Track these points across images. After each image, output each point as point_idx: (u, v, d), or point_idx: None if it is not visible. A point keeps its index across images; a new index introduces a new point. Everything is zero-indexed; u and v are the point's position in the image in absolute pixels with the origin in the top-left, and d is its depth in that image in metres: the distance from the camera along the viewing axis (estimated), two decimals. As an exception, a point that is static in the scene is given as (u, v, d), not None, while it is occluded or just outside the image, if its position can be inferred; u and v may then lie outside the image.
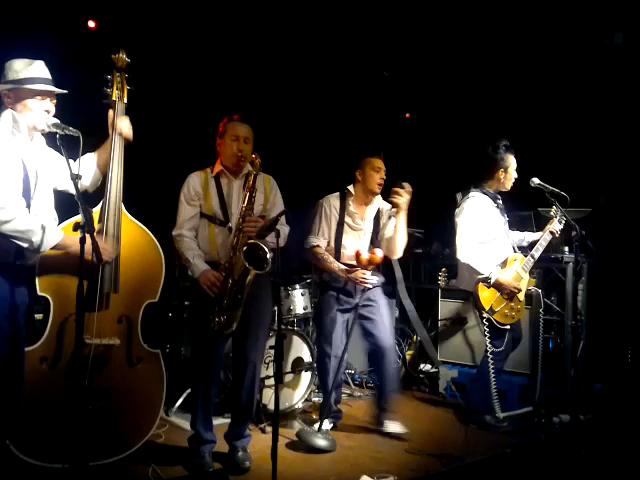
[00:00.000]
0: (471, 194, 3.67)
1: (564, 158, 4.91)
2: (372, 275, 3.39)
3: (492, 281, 3.49)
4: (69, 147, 2.31)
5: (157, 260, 2.74)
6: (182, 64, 4.34)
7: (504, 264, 3.58)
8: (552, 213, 3.67)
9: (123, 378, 2.61)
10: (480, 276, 3.51)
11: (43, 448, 2.42)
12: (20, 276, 2.36)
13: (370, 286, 3.36)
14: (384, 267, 3.73)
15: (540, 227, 3.90)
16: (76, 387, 2.30)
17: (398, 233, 3.41)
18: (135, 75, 2.75)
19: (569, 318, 4.08)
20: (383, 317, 3.48)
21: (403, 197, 3.30)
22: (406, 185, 3.31)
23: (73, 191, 2.55)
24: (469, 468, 2.91)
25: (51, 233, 2.33)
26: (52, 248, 2.34)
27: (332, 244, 3.50)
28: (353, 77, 5.28)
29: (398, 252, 3.50)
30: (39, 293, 2.45)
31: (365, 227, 3.51)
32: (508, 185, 3.70)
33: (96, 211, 2.57)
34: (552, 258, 4.19)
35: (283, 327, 3.87)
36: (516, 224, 4.38)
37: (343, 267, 3.42)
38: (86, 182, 2.65)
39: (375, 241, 3.51)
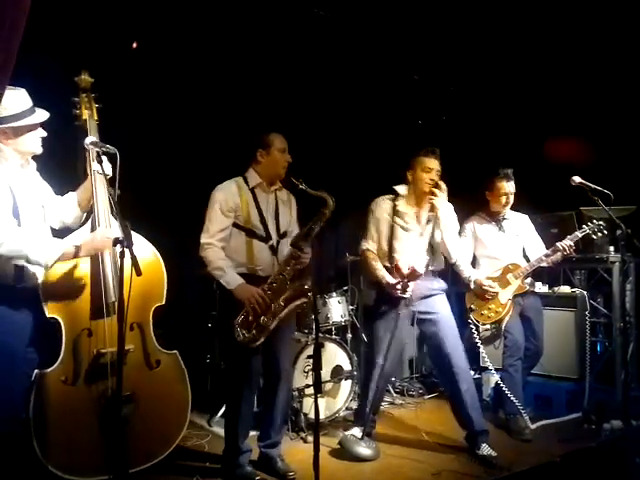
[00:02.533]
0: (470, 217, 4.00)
1: (607, 155, 4.76)
2: (432, 282, 3.30)
3: (472, 284, 3.76)
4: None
5: (157, 265, 2.74)
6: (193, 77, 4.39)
7: (498, 271, 3.81)
8: (587, 228, 3.68)
9: (146, 383, 2.64)
10: (464, 276, 3.77)
11: (83, 463, 2.45)
12: (22, 298, 2.38)
13: (407, 296, 3.20)
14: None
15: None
16: (101, 398, 2.38)
17: (444, 235, 3.25)
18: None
19: (617, 320, 3.95)
20: (446, 327, 3.27)
21: (439, 197, 3.19)
22: (441, 184, 3.21)
23: (51, 224, 2.62)
24: (517, 478, 2.83)
25: (49, 246, 2.36)
26: (60, 260, 2.38)
27: (384, 248, 3.36)
28: (384, 81, 5.25)
29: (452, 255, 3.31)
30: (48, 315, 2.45)
31: (420, 230, 3.32)
32: (496, 207, 3.86)
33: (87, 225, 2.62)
34: (597, 258, 4.07)
35: (321, 335, 3.85)
36: (558, 224, 4.28)
37: (385, 276, 3.28)
38: (68, 220, 2.68)
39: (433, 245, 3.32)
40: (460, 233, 3.79)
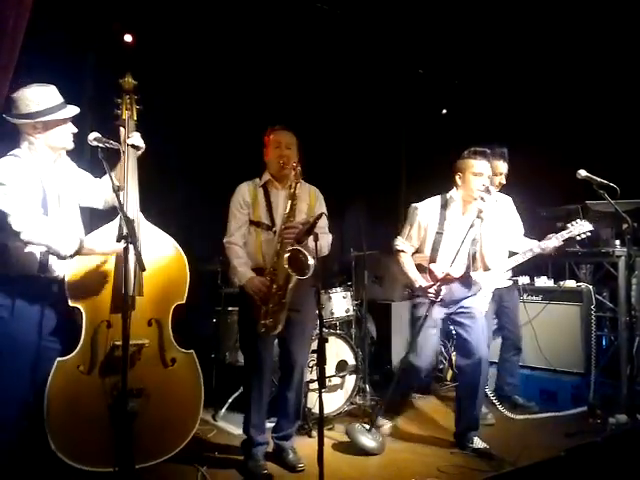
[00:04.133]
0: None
1: (613, 148, 4.73)
2: (470, 285, 3.26)
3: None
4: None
5: (180, 263, 2.76)
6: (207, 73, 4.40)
7: None
8: (571, 226, 3.60)
9: (160, 380, 2.65)
10: None
11: (90, 453, 2.47)
12: (46, 288, 2.45)
13: (438, 300, 3.15)
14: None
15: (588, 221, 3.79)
16: (113, 389, 2.41)
17: (482, 244, 3.18)
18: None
19: (623, 314, 3.92)
20: (478, 325, 3.24)
21: (487, 202, 3.07)
22: (491, 188, 3.10)
23: (96, 206, 2.74)
24: (521, 472, 2.82)
25: (69, 239, 2.38)
26: (80, 253, 2.40)
27: (428, 252, 3.30)
28: (389, 76, 5.24)
29: (487, 264, 3.22)
30: (70, 304, 2.50)
31: (464, 235, 3.17)
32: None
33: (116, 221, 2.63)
34: (603, 252, 4.04)
35: (325, 330, 3.85)
36: (563, 218, 4.25)
37: (418, 279, 3.26)
38: (110, 198, 2.74)
39: (474, 250, 3.24)
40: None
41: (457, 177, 3.25)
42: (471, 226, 3.14)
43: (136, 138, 2.67)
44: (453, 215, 3.29)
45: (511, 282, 3.94)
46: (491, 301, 3.77)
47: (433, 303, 3.16)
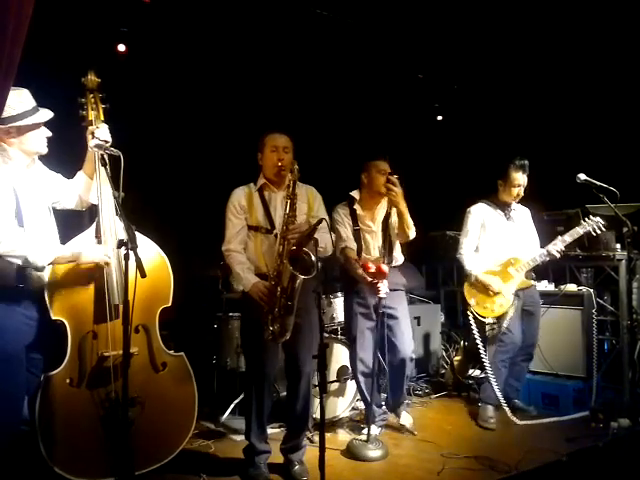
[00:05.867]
0: (477, 202, 3.97)
1: (613, 152, 4.74)
2: (393, 279, 3.43)
3: (472, 278, 3.84)
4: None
5: (162, 266, 2.74)
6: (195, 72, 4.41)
7: (501, 266, 3.84)
8: (584, 222, 3.72)
9: (153, 385, 2.64)
10: (465, 268, 3.87)
11: (88, 465, 2.46)
12: (24, 299, 2.39)
13: (384, 295, 3.27)
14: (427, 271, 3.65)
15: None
16: (104, 400, 2.41)
17: (403, 220, 3.34)
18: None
19: (624, 318, 3.92)
20: (401, 324, 3.47)
21: (395, 190, 3.27)
22: (392, 179, 3.28)
23: (71, 206, 2.69)
24: (523, 477, 2.82)
25: (45, 249, 2.36)
26: (58, 263, 2.40)
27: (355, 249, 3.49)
28: (386, 80, 5.25)
29: (410, 234, 3.40)
30: (53, 317, 2.45)
31: (378, 228, 3.51)
32: (507, 197, 3.86)
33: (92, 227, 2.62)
34: (603, 256, 4.04)
35: (326, 336, 3.85)
36: (564, 222, 4.26)
37: (366, 276, 3.34)
38: (86, 197, 2.70)
39: (387, 242, 3.44)
40: (467, 217, 3.93)
41: (363, 177, 3.52)
42: (385, 219, 3.44)
43: (103, 131, 2.56)
44: (362, 212, 3.52)
45: (534, 282, 3.96)
46: (517, 300, 3.80)
47: (377, 298, 3.32)
